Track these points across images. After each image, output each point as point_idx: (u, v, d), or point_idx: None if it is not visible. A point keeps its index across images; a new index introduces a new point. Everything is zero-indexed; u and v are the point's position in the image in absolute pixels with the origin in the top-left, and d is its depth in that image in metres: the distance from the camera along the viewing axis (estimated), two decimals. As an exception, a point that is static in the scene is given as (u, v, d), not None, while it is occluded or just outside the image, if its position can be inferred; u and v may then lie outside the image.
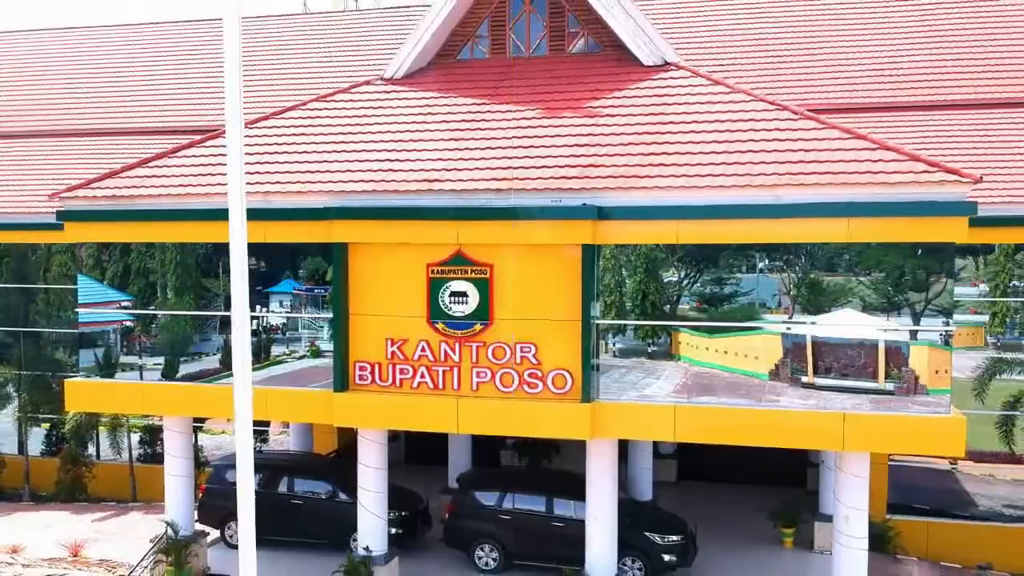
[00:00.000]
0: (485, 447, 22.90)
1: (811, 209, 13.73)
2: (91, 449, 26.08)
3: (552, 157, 15.68)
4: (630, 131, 16.06)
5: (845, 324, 14.74)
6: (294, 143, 17.37)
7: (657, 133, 15.80)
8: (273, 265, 17.69)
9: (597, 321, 15.10)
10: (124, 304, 18.12)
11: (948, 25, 25.06)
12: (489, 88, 18.16)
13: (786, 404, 14.64)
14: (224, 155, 16.82)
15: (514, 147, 16.15)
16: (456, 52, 19.35)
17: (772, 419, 14.51)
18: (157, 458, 25.77)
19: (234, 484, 19.52)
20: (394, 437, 20.52)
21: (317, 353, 17.54)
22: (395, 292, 15.69)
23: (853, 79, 23.94)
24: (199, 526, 19.12)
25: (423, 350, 15.56)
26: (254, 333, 17.82)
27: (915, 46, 24.57)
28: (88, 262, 18.55)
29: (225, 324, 17.90)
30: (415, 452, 24.87)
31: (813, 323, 14.83)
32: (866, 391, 14.50)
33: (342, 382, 15.85)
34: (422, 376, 15.57)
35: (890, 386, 14.36)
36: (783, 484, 22.53)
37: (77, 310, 18.86)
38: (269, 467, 19.80)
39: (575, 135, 16.26)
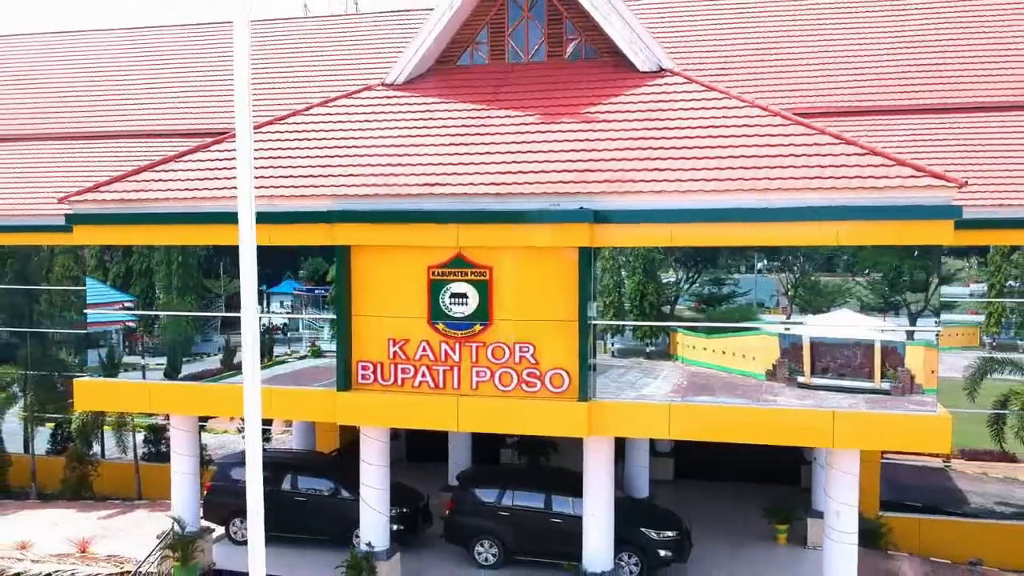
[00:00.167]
0: (485, 446, 23.29)
1: (801, 213, 14.11)
2: (95, 448, 26.46)
3: (550, 162, 16.05)
4: (626, 136, 16.44)
5: (836, 325, 15.11)
6: (298, 147, 17.74)
7: (652, 138, 16.18)
8: (273, 266, 18.05)
9: (593, 322, 15.49)
10: (127, 305, 18.50)
11: (937, 29, 25.43)
12: (488, 93, 18.54)
13: (779, 403, 15.02)
14: (229, 159, 17.37)
15: (513, 152, 16.52)
16: (456, 58, 19.74)
17: (764, 417, 14.90)
18: (161, 457, 26.25)
19: (238, 482, 20.17)
20: (395, 435, 20.88)
21: (318, 353, 17.92)
22: (397, 293, 16.07)
23: (843, 83, 24.33)
24: (204, 523, 19.48)
25: (424, 350, 15.94)
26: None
27: (904, 50, 24.95)
28: (91, 263, 18.92)
29: (226, 324, 18.30)
30: (416, 450, 25.26)
31: (803, 323, 15.21)
32: (858, 391, 14.87)
33: (345, 381, 16.23)
34: (423, 375, 15.96)
35: (885, 385, 14.69)
36: (778, 482, 22.91)
37: (85, 311, 19.22)
38: (273, 465, 20.15)
39: (572, 140, 16.64)
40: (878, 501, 21.08)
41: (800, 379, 15.12)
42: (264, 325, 17.98)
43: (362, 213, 15.87)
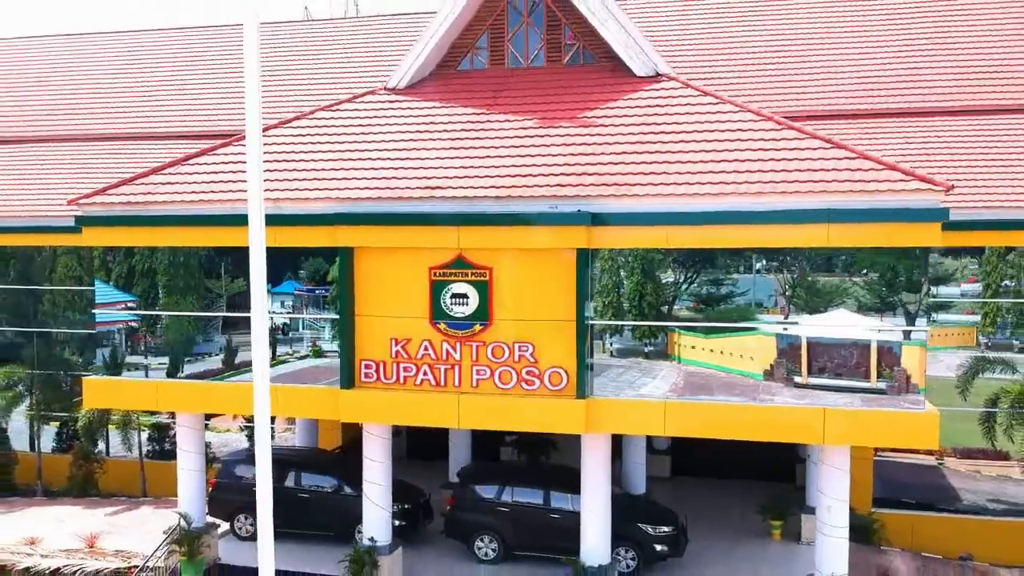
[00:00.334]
0: (485, 444, 23.69)
1: (792, 215, 14.50)
2: (100, 446, 26.82)
3: (549, 165, 16.44)
4: (623, 140, 16.82)
5: (830, 325, 15.50)
6: (303, 151, 18.11)
7: (649, 142, 16.56)
8: (274, 266, 18.35)
9: (591, 321, 15.88)
10: (130, 304, 18.87)
11: (925, 35, 25.78)
12: (488, 98, 18.92)
13: (773, 401, 15.41)
14: (234, 163, 17.77)
15: (513, 155, 16.91)
16: (457, 63, 20.12)
17: (757, 414, 15.29)
18: (165, 455, 26.64)
19: (242, 478, 20.56)
20: (396, 433, 21.20)
21: (319, 353, 18.32)
22: (399, 294, 16.45)
23: (834, 86, 24.65)
24: (209, 519, 19.84)
25: (426, 349, 16.33)
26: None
27: (892, 55, 25.27)
28: (96, 264, 19.28)
29: (227, 324, 18.68)
30: (416, 448, 25.63)
31: (797, 323, 15.60)
32: (855, 390, 15.22)
33: (348, 380, 16.62)
34: (425, 374, 16.35)
35: (881, 385, 15.04)
36: (773, 480, 23.24)
37: (92, 310, 19.59)
38: (277, 463, 20.12)
39: (571, 144, 17.02)
40: (871, 498, 21.43)
41: (797, 379, 15.50)
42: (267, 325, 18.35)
43: (365, 216, 16.26)
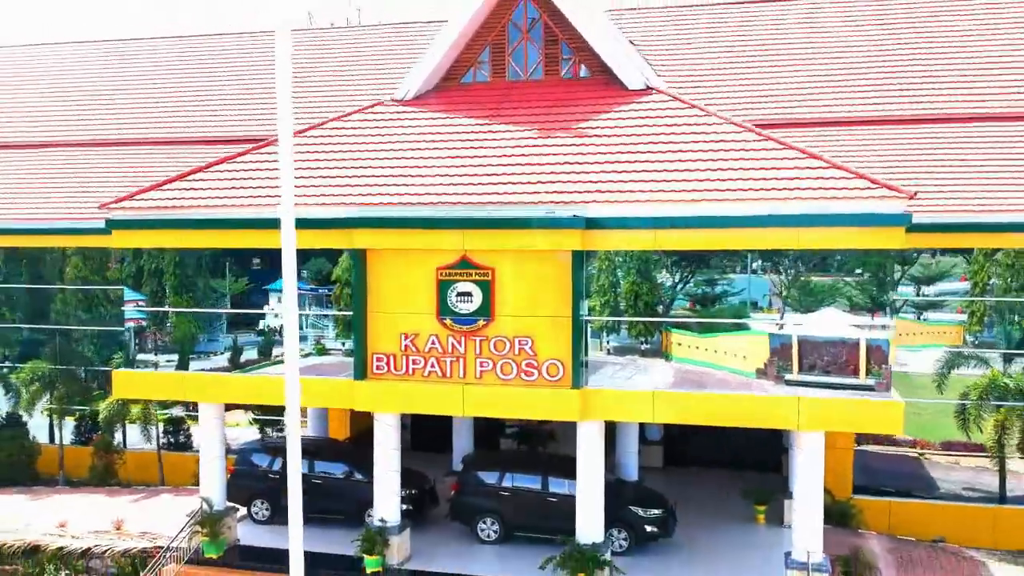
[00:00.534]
0: (486, 435, 25.04)
1: (769, 220, 15.86)
2: (118, 437, 28.11)
3: (546, 173, 17.80)
4: (615, 150, 18.18)
5: (810, 323, 16.83)
6: (318, 159, 19.44)
7: (638, 152, 17.91)
8: (273, 265, 19.70)
9: (586, 318, 17.23)
10: (140, 304, 20.17)
11: (902, 47, 27.19)
12: (490, 109, 20.27)
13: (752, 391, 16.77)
14: (254, 169, 19.17)
15: (513, 164, 18.27)
16: (460, 76, 21.47)
17: (738, 402, 16.67)
18: (180, 446, 28.00)
19: (259, 466, 21.88)
20: (402, 426, 22.54)
21: (323, 351, 19.62)
22: (408, 292, 17.81)
23: (810, 96, 26.17)
24: (228, 503, 21.14)
25: (433, 343, 17.68)
26: (260, 333, 20.00)
27: (866, 66, 26.76)
28: (122, 267, 20.56)
29: (234, 323, 20.02)
30: (421, 440, 26.87)
31: (783, 323, 16.92)
32: (844, 387, 16.39)
33: (362, 372, 17.98)
34: (432, 366, 17.70)
35: (870, 382, 16.27)
36: (761, 469, 24.50)
37: (107, 308, 20.89)
38: (291, 450, 21.83)
39: (567, 153, 18.37)
40: (850, 485, 22.74)
41: (788, 376, 16.71)
42: (268, 325, 19.76)
43: (378, 220, 17.61)
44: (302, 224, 17.53)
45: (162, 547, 19.87)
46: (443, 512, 21.23)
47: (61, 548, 20.36)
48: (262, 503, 21.60)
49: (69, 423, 28.73)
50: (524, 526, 20.00)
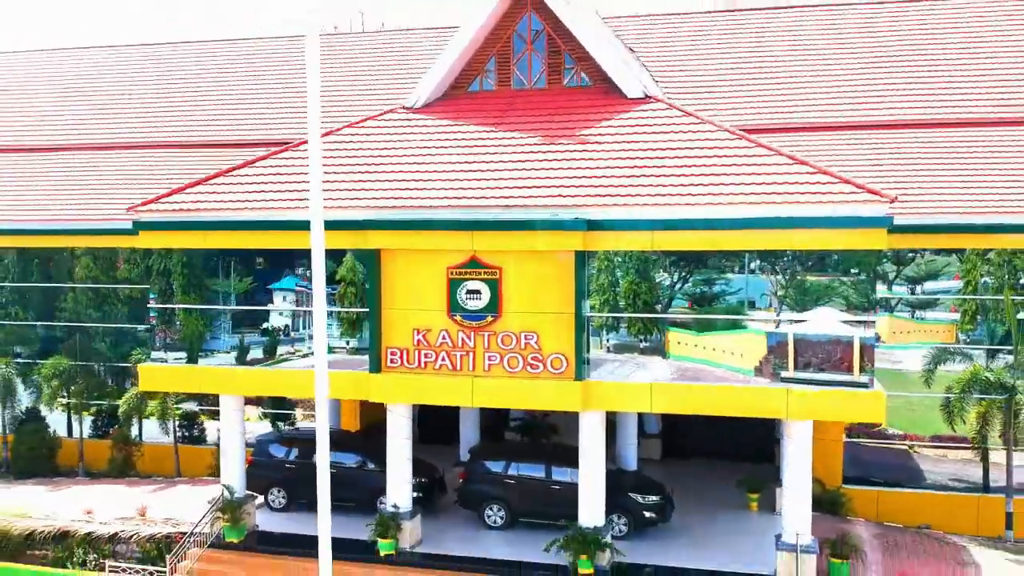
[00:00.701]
0: (491, 428, 26.11)
1: (760, 222, 16.93)
2: (135, 431, 29.13)
3: (550, 178, 18.86)
4: (615, 156, 19.24)
5: (803, 321, 17.85)
6: (333, 163, 20.46)
7: (637, 158, 18.98)
8: (274, 264, 20.85)
9: (588, 314, 18.30)
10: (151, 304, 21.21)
11: (890, 55, 28.34)
12: (496, 117, 21.33)
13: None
14: (272, 174, 20.28)
15: (519, 169, 19.33)
16: (467, 84, 22.53)
17: (730, 393, 17.75)
18: (194, 440, 29.01)
19: (275, 457, 22.84)
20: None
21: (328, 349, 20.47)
22: (420, 290, 18.89)
23: (798, 102, 27.31)
24: (247, 492, 22.18)
25: (444, 338, 18.75)
26: (264, 333, 21.05)
27: (853, 73, 27.92)
28: (153, 262, 21.63)
29: (242, 322, 21.14)
30: (429, 433, 27.88)
31: (771, 320, 17.99)
32: (838, 383, 17.33)
33: (376, 365, 19.06)
34: (443, 359, 18.77)
35: (864, 379, 17.19)
36: (754, 461, 25.47)
37: (148, 305, 21.93)
38: (308, 442, 22.92)
39: (569, 159, 19.43)
40: (840, 475, 23.77)
41: (784, 374, 17.67)
42: (270, 326, 20.86)
43: (392, 222, 18.71)
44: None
45: (184, 532, 20.92)
46: (451, 500, 22.28)
47: (89, 533, 21.39)
48: (278, 491, 22.67)
49: (86, 417, 29.74)
50: (529, 512, 21.04)
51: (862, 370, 17.27)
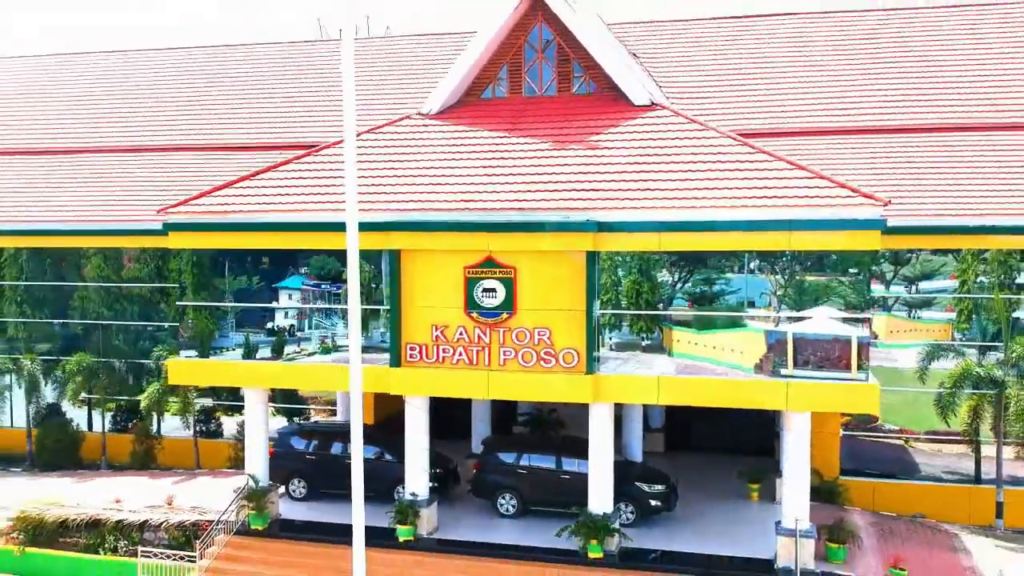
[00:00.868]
0: (502, 422, 27.08)
1: (759, 224, 17.94)
2: (154, 425, 30.05)
3: (562, 181, 19.85)
4: (623, 161, 20.23)
5: (802, 319, 18.78)
6: (357, 167, 21.43)
7: (644, 163, 19.97)
8: (275, 264, 21.80)
9: (598, 311, 19.29)
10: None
11: (888, 61, 29.36)
12: (509, 123, 22.32)
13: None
14: (296, 178, 21.25)
15: (532, 173, 20.32)
16: (480, 92, 23.52)
17: (733, 386, 18.75)
18: (211, 434, 29.93)
19: (295, 449, 23.75)
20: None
21: (328, 350, 21.59)
22: (438, 289, 19.88)
23: (797, 107, 28.27)
24: (270, 482, 23.14)
25: (461, 334, 19.74)
26: (271, 332, 22.02)
27: (851, 78, 28.89)
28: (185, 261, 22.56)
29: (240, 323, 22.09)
30: (442, 428, 28.57)
31: (770, 318, 18.96)
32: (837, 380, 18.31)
33: (396, 360, 20.05)
34: (460, 354, 19.76)
35: (862, 376, 18.03)
36: (755, 453, 26.39)
37: (178, 303, 22.88)
38: (328, 435, 23.94)
39: (580, 163, 20.42)
40: (838, 466, 24.70)
41: (783, 371, 18.53)
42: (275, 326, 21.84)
43: (412, 223, 19.71)
44: (342, 227, 19.89)
45: (210, 520, 21.85)
46: (465, 491, 23.25)
47: (120, 521, 22.33)
48: (299, 481, 23.65)
49: (107, 412, 30.64)
50: (540, 501, 22.00)
51: (859, 367, 18.19)
